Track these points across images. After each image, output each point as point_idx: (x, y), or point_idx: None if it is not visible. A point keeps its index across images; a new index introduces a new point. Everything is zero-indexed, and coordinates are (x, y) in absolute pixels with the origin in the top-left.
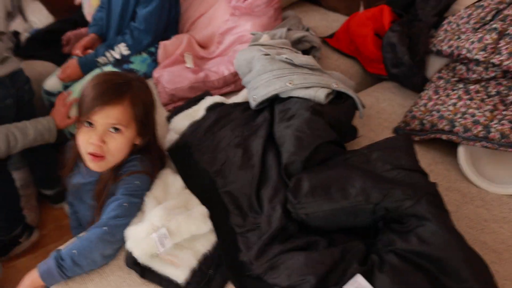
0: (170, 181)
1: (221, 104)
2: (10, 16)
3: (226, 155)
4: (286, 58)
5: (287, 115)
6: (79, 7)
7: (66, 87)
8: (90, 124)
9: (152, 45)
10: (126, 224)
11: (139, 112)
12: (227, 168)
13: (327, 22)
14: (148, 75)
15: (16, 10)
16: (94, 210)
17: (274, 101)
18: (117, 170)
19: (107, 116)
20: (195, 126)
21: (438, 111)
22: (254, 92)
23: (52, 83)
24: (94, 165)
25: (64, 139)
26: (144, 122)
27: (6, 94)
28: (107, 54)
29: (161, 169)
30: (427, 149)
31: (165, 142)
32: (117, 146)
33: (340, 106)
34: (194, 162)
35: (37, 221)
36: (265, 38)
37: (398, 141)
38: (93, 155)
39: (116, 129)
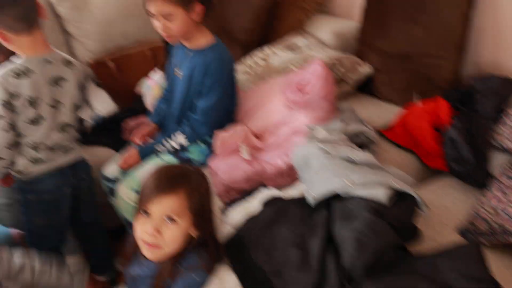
0: (226, 279)
1: (277, 198)
2: (76, 108)
3: (283, 254)
4: (345, 156)
5: (347, 215)
6: (141, 97)
7: (124, 174)
8: (147, 213)
9: (209, 135)
10: None
11: (194, 204)
12: (284, 269)
13: (381, 113)
14: (205, 164)
15: (84, 102)
16: None
17: (332, 198)
18: (176, 264)
19: (162, 206)
20: (251, 222)
21: (507, 212)
22: (313, 190)
23: (111, 169)
24: (149, 254)
25: (119, 226)
26: (200, 214)
27: (65, 183)
28: (166, 143)
29: (217, 263)
30: (499, 253)
31: (220, 236)
32: (172, 237)
33: (402, 206)
34: (250, 260)
35: None
36: (321, 133)
37: (467, 248)
38: (149, 244)
39: (171, 220)
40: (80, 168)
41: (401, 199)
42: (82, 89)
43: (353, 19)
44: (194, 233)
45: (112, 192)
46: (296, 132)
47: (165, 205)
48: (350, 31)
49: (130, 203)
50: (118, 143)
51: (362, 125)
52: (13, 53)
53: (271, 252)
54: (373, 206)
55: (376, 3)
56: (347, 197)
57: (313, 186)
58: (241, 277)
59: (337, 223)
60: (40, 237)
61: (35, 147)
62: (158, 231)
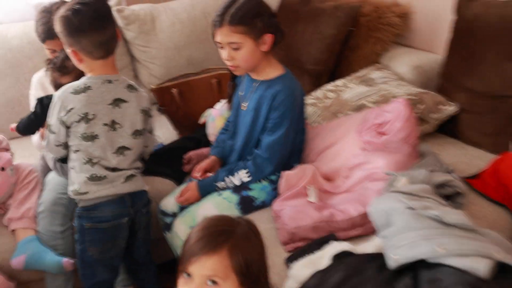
0: None
1: (349, 253)
2: (138, 133)
3: None
4: (436, 215)
5: None
6: (203, 126)
7: (182, 208)
8: (188, 275)
9: (274, 173)
10: None
11: (238, 264)
12: None
13: (466, 158)
14: (267, 203)
15: (147, 130)
16: None
17: (417, 262)
18: None
19: (203, 267)
20: (319, 279)
21: None
22: (395, 252)
23: (169, 203)
24: None
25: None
26: (247, 275)
27: (124, 213)
28: (227, 179)
29: None
30: None
31: None
32: None
33: (504, 281)
34: None
35: None
36: (403, 182)
37: None
38: None
39: (214, 282)
40: (140, 200)
41: (501, 271)
42: (146, 115)
43: (436, 52)
44: None
45: (167, 227)
46: (371, 177)
47: (206, 266)
48: (432, 65)
49: (183, 240)
50: (178, 174)
51: (447, 173)
52: (82, 74)
53: None
54: (471, 282)
55: (465, 35)
56: (435, 264)
57: (395, 247)
58: None
59: None
60: (92, 269)
61: (90, 162)
62: None
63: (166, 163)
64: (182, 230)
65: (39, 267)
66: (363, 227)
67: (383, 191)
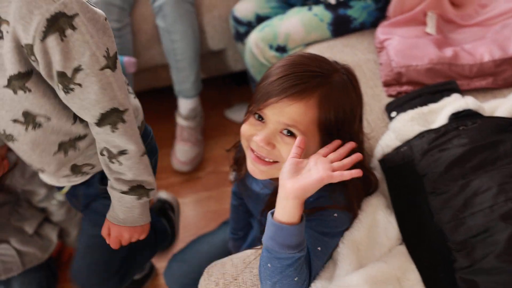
0: (381, 223)
1: (474, 113)
2: None
3: (482, 225)
4: None
5: None
6: None
7: (258, 17)
8: (260, 117)
9: None
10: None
11: (326, 119)
12: (480, 247)
13: None
14: (366, 26)
15: None
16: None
17: None
18: None
19: (281, 113)
20: (431, 142)
21: None
22: None
23: (244, 9)
24: (255, 170)
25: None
26: (332, 134)
27: None
28: None
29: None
30: None
31: (378, 146)
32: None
33: None
34: (423, 208)
35: None
36: None
37: None
38: (257, 156)
39: (290, 133)
40: None
41: None
42: None
43: None
44: None
45: (240, 36)
46: None
47: (285, 113)
48: None
49: (259, 59)
50: None
51: None
52: None
53: (462, 213)
54: None
55: None
56: None
57: None
58: (404, 226)
59: None
60: None
61: None
62: (270, 143)
63: None
64: (257, 46)
65: None
66: (494, 76)
67: None
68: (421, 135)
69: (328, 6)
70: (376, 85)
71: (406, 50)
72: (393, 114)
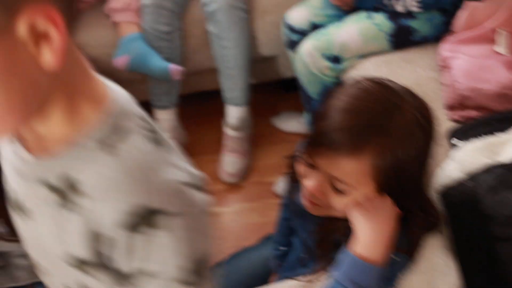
0: (439, 268)
1: None
2: None
3: None
4: None
5: None
6: None
7: (314, 26)
8: (311, 165)
9: (452, 2)
10: None
11: (382, 169)
12: None
13: None
14: (428, 39)
15: None
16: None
17: None
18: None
19: (330, 165)
20: (498, 180)
21: None
22: None
23: (298, 17)
24: (309, 207)
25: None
26: (391, 183)
27: None
28: (387, 1)
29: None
30: None
31: (437, 177)
32: (339, 205)
33: None
34: (492, 256)
35: None
36: None
37: None
38: (307, 199)
39: (335, 188)
40: None
41: None
42: None
43: None
44: None
45: (292, 44)
46: None
47: (337, 167)
48: None
49: (310, 69)
50: None
51: None
52: None
53: None
54: None
55: None
56: None
57: None
58: (468, 273)
59: None
60: None
61: None
62: (320, 191)
63: None
64: (310, 55)
65: (143, 70)
66: None
67: None
68: (489, 169)
69: (391, 15)
70: (437, 107)
71: (474, 71)
72: (455, 141)
